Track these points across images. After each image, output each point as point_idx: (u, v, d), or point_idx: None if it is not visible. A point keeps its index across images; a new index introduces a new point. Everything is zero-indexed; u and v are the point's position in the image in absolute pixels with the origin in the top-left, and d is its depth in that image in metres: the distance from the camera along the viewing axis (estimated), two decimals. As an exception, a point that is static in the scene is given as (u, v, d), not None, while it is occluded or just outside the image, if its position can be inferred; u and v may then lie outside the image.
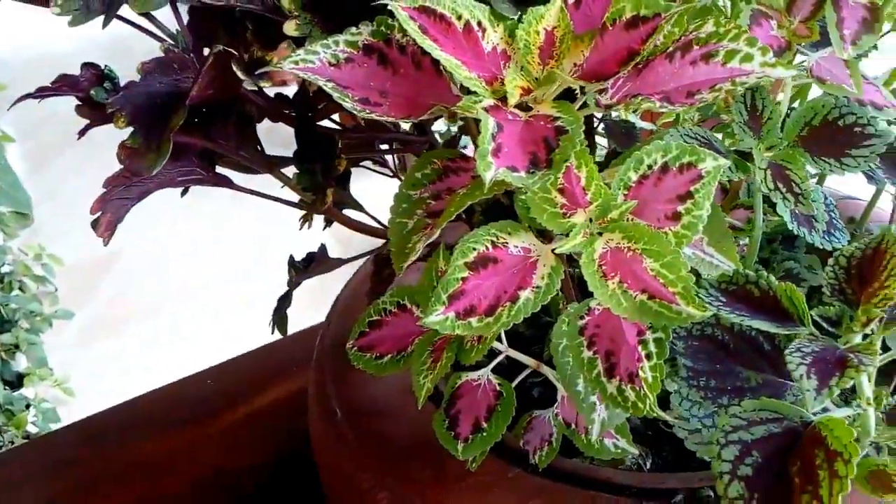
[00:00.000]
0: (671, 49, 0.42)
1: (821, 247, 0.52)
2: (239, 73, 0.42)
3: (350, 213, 0.62)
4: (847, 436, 0.36)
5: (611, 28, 0.42)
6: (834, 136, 0.48)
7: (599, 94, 0.44)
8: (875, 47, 0.50)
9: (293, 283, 0.55)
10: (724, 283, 0.43)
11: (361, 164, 0.68)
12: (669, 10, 0.40)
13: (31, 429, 1.63)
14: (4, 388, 1.65)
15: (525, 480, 0.56)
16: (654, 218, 0.44)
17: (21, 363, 1.75)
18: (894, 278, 0.36)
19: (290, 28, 0.50)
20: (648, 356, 0.43)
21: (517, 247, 0.45)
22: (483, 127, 0.39)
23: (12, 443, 1.53)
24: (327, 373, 0.70)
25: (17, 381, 1.72)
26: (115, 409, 0.94)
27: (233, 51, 0.42)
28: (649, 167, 0.44)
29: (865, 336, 0.38)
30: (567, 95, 0.45)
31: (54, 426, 1.65)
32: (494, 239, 0.45)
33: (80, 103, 0.46)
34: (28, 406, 1.66)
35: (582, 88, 0.44)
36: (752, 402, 0.38)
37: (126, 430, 0.89)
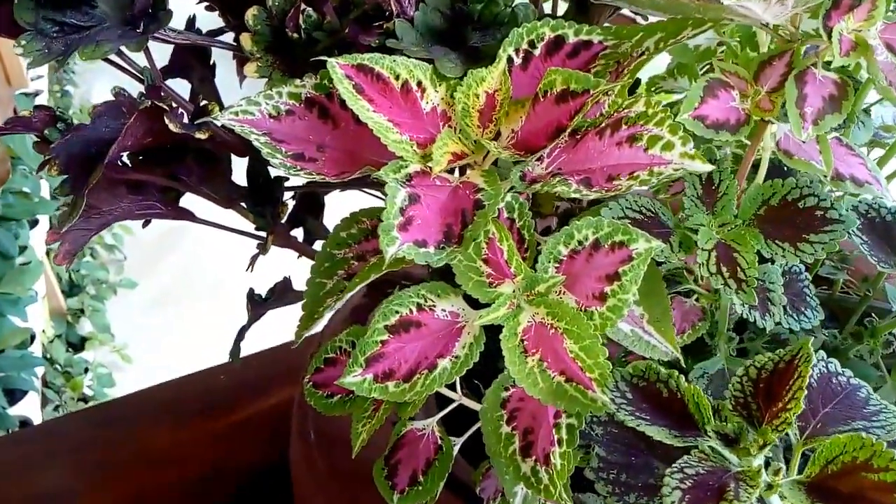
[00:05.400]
0: (603, 125, 0.40)
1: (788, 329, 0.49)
2: (171, 127, 0.42)
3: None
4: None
5: (542, 100, 0.41)
6: (793, 218, 0.44)
7: (533, 166, 0.42)
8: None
9: (253, 317, 0.56)
10: (636, 376, 0.41)
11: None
12: (598, 87, 0.39)
13: (87, 391, 1.72)
14: (67, 351, 1.74)
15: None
16: (584, 295, 0.43)
17: (85, 327, 1.84)
18: (797, 400, 0.33)
19: (250, 70, 0.50)
20: (560, 441, 0.41)
21: (445, 311, 0.44)
22: (389, 200, 0.39)
23: (65, 404, 1.61)
24: (308, 392, 0.71)
25: (79, 344, 1.81)
26: (132, 397, 0.97)
27: (164, 105, 0.42)
28: (580, 243, 0.42)
29: (768, 461, 0.35)
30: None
31: (108, 391, 1.73)
32: (422, 301, 0.44)
33: (37, 140, 0.47)
34: (86, 370, 1.75)
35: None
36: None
37: (138, 419, 0.93)
